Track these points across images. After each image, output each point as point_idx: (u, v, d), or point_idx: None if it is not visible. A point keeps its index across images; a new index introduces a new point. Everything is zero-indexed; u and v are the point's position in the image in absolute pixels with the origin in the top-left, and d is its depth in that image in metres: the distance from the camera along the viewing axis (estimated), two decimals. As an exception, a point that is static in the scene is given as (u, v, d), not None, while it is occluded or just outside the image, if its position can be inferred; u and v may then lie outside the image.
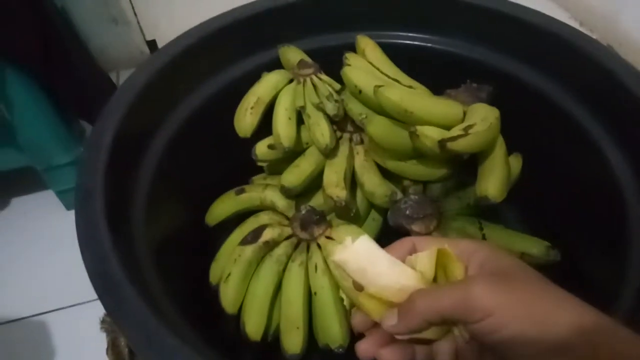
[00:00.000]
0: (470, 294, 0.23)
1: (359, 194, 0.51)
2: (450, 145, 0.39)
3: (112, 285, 0.31)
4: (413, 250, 0.30)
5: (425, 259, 0.28)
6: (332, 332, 0.43)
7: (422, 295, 0.25)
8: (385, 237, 0.50)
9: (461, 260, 0.28)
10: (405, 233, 0.45)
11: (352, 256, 0.28)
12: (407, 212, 0.45)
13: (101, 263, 0.32)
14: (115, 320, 0.29)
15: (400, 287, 0.27)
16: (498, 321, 0.23)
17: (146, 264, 0.36)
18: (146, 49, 0.90)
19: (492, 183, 0.41)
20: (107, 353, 0.47)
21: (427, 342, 0.29)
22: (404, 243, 0.30)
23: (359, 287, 0.29)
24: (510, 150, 0.44)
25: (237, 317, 0.44)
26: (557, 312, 0.23)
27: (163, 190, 0.44)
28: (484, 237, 0.46)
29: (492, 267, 0.26)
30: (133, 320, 0.29)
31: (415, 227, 0.45)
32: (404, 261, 0.30)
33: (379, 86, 0.42)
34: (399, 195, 0.47)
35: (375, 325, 0.29)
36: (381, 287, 0.28)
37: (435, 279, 0.28)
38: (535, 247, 0.44)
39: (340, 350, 0.42)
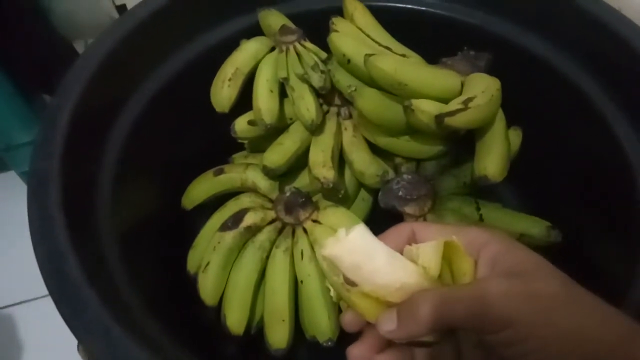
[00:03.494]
0: (486, 302, 0.20)
1: (347, 172, 0.47)
2: (449, 120, 0.36)
3: (69, 287, 0.27)
4: (412, 239, 0.27)
5: (429, 252, 0.24)
6: (321, 325, 0.40)
7: (427, 298, 0.22)
8: (376, 219, 0.47)
9: (469, 252, 0.24)
10: (397, 215, 0.42)
11: (345, 250, 0.24)
12: (400, 193, 0.42)
13: (57, 262, 0.28)
14: (73, 330, 0.26)
15: (400, 286, 0.24)
16: (518, 333, 0.20)
17: (112, 258, 0.33)
18: (116, 15, 0.84)
19: (492, 161, 0.39)
20: (78, 350, 0.43)
21: (427, 345, 0.26)
22: (402, 230, 0.27)
23: (351, 283, 0.25)
24: (508, 124, 0.41)
25: (218, 310, 0.41)
26: (589, 324, 0.20)
27: (131, 173, 0.40)
28: (481, 218, 0.43)
29: (507, 264, 0.23)
30: (93, 329, 0.25)
31: (408, 209, 0.42)
32: (401, 252, 0.26)
33: (370, 55, 0.38)
34: (391, 174, 0.44)
35: (369, 324, 0.26)
36: (378, 285, 0.24)
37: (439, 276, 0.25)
38: (536, 227, 0.42)
39: (329, 343, 0.40)
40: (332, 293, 0.29)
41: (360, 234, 0.25)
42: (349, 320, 0.27)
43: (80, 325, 0.26)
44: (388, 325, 0.23)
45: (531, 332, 0.20)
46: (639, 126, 0.38)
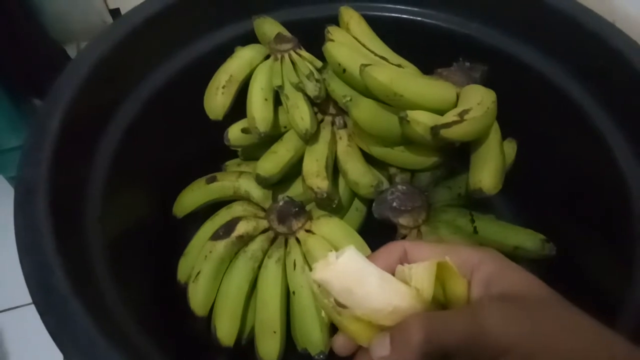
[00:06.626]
0: (481, 328, 0.20)
1: (341, 182, 0.47)
2: (444, 132, 0.36)
3: (55, 299, 0.26)
4: (404, 258, 0.26)
5: (422, 273, 0.24)
6: (313, 337, 0.39)
7: (420, 323, 0.21)
8: (369, 229, 0.47)
9: (463, 272, 0.24)
10: (391, 225, 0.42)
11: (336, 275, 0.24)
12: (394, 204, 0.42)
13: (43, 273, 0.27)
14: (58, 343, 0.25)
15: (393, 309, 0.23)
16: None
17: (100, 269, 0.32)
18: (109, 19, 0.83)
19: (487, 174, 0.39)
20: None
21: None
22: (393, 249, 0.26)
23: (342, 307, 0.25)
24: (503, 135, 0.41)
25: (208, 320, 0.41)
26: (583, 347, 0.19)
27: (122, 181, 0.39)
28: (475, 230, 0.43)
29: (501, 286, 0.22)
30: (78, 343, 0.25)
31: (402, 221, 0.42)
32: (393, 271, 0.26)
33: (366, 65, 0.38)
34: (385, 185, 0.44)
35: (362, 347, 0.26)
36: (370, 309, 0.24)
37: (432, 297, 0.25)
38: (530, 239, 0.42)
39: (321, 356, 0.39)
40: (323, 314, 0.29)
41: (351, 257, 0.24)
42: (340, 343, 0.26)
43: (66, 338, 0.25)
44: (381, 351, 0.23)
45: (527, 358, 0.19)
46: (633, 138, 0.38)
